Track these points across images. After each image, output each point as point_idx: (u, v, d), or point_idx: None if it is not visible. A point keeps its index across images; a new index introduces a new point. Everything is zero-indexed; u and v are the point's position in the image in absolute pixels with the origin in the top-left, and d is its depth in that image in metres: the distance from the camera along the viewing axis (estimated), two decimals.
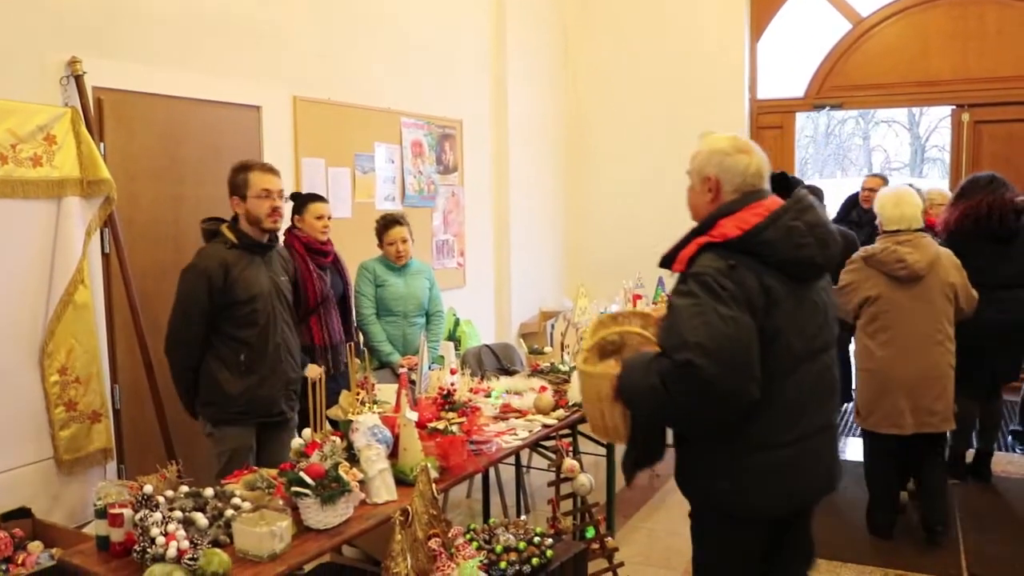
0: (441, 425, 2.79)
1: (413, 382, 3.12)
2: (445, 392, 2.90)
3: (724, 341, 2.06)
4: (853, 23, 7.69)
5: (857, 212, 6.64)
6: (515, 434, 3.24)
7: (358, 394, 2.95)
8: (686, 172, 2.39)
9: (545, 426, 3.38)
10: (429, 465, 2.46)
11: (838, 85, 7.81)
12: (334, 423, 2.95)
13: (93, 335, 3.73)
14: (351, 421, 2.73)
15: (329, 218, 4.26)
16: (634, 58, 8.02)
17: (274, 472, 2.48)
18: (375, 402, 2.96)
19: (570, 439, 4.32)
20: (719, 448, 2.26)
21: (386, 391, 3.12)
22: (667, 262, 2.32)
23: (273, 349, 3.53)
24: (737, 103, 7.88)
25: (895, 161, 17.72)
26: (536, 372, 4.11)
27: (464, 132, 6.82)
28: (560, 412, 3.51)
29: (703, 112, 7.72)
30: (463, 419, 2.87)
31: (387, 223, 4.71)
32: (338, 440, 2.62)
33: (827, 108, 7.96)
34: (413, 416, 2.69)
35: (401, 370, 3.01)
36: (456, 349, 5.97)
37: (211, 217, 3.60)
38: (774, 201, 2.27)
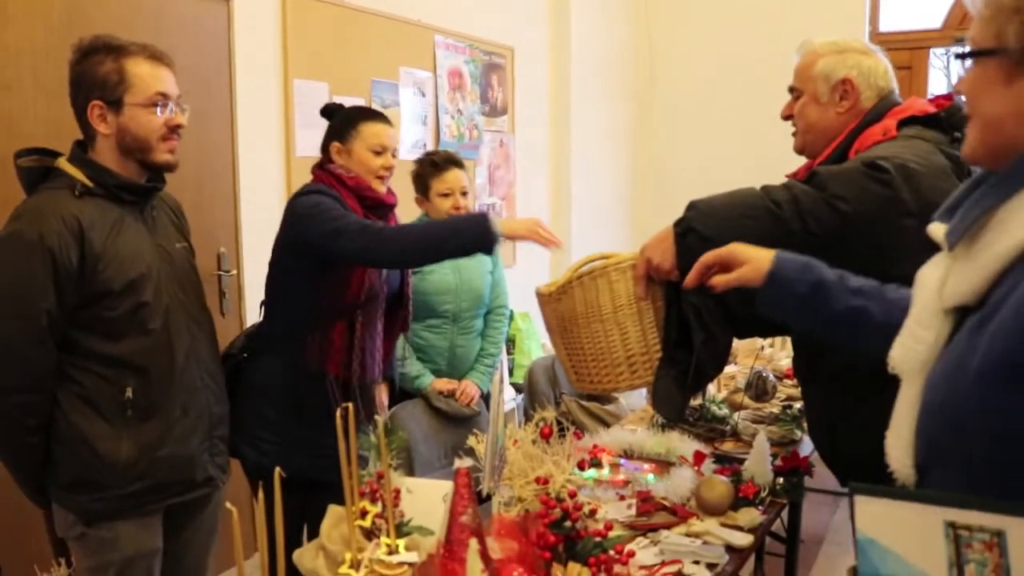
0: None
1: (478, 479, 1.51)
2: (559, 518, 1.30)
3: (931, 168, 1.70)
4: None
5: None
6: (681, 570, 1.64)
7: (363, 512, 1.36)
8: (790, 88, 2.03)
9: (731, 548, 1.76)
10: None
11: None
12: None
13: None
14: None
15: (394, 155, 2.44)
16: None
17: None
18: (402, 529, 1.37)
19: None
20: None
21: (422, 493, 1.53)
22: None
23: (182, 369, 1.97)
24: (854, 37, 6.18)
25: None
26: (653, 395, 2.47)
27: (516, 63, 5.19)
28: (751, 513, 1.88)
29: None
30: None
31: (437, 163, 3.02)
32: None
33: None
34: None
35: (460, 465, 1.39)
36: (509, 354, 4.39)
37: (32, 148, 1.93)
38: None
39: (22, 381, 1.81)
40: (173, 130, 1.95)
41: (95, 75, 1.88)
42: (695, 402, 2.58)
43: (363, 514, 1.37)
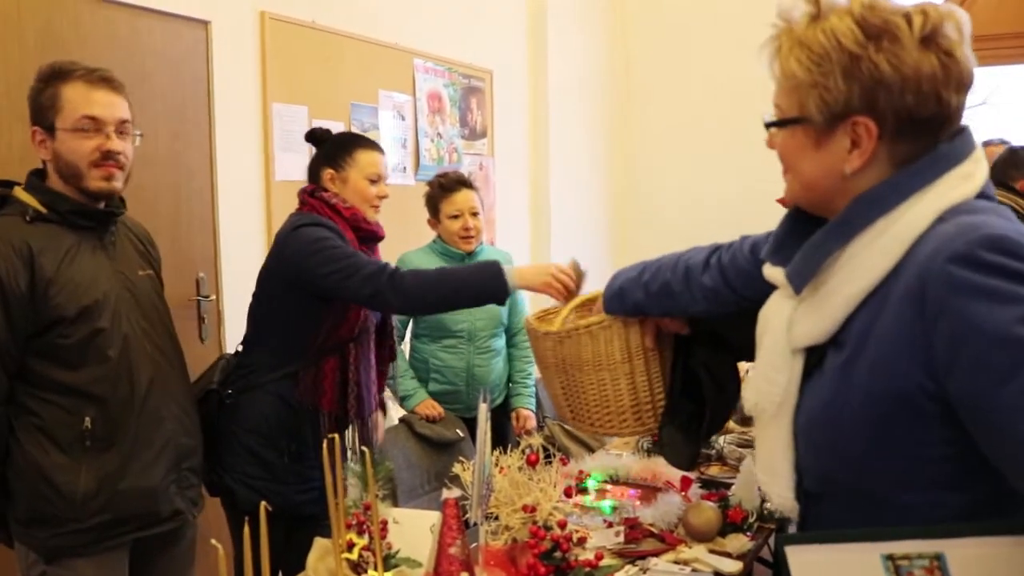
0: None
1: (465, 507, 1.49)
2: (549, 548, 1.29)
3: None
4: None
5: None
6: None
7: (350, 544, 1.34)
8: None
9: (720, 575, 1.74)
10: None
11: None
12: None
13: None
14: None
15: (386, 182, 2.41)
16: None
17: None
18: (390, 561, 1.34)
19: None
20: None
21: (409, 523, 1.51)
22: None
23: (143, 399, 1.91)
24: None
25: None
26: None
27: (495, 86, 5.20)
28: (739, 539, 1.87)
29: None
30: None
31: (445, 185, 3.05)
32: None
33: None
34: None
35: (448, 495, 1.37)
36: None
37: None
38: None
39: None
40: (107, 156, 1.87)
41: (36, 101, 1.88)
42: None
43: (350, 546, 1.34)
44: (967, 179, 1.05)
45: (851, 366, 1.04)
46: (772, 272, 1.20)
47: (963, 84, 1.06)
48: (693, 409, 1.76)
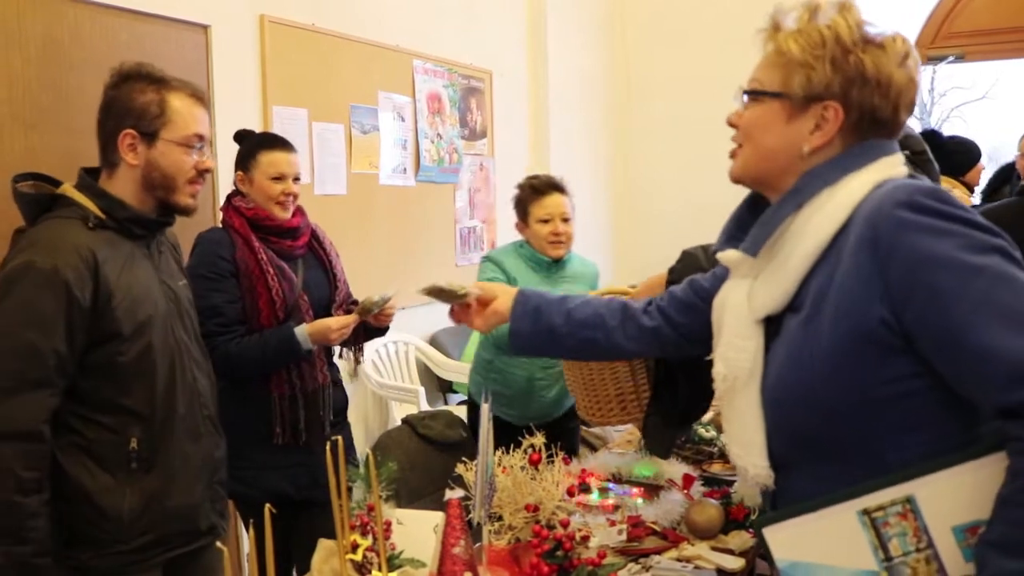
0: None
1: (468, 507, 1.49)
2: (552, 548, 1.30)
3: None
4: None
5: (1011, 187, 5.00)
6: None
7: (354, 546, 1.35)
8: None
9: (723, 571, 1.75)
10: None
11: (959, 31, 6.16)
12: None
13: None
14: None
15: (296, 180, 2.44)
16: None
17: None
18: (394, 562, 1.35)
19: None
20: None
21: (413, 524, 1.51)
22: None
23: (185, 416, 1.86)
24: None
25: None
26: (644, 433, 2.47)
27: (494, 86, 5.21)
28: (742, 536, 1.88)
29: None
30: None
31: (537, 188, 2.90)
32: None
33: (946, 60, 6.32)
34: None
35: (451, 495, 1.35)
36: None
37: (30, 173, 1.83)
38: None
39: (20, 428, 1.63)
40: (201, 174, 1.87)
41: (133, 103, 1.79)
42: None
43: (354, 548, 1.35)
44: (895, 166, 1.20)
45: (814, 321, 1.14)
46: (727, 254, 1.28)
47: (911, 106, 1.22)
48: (671, 398, 1.79)
